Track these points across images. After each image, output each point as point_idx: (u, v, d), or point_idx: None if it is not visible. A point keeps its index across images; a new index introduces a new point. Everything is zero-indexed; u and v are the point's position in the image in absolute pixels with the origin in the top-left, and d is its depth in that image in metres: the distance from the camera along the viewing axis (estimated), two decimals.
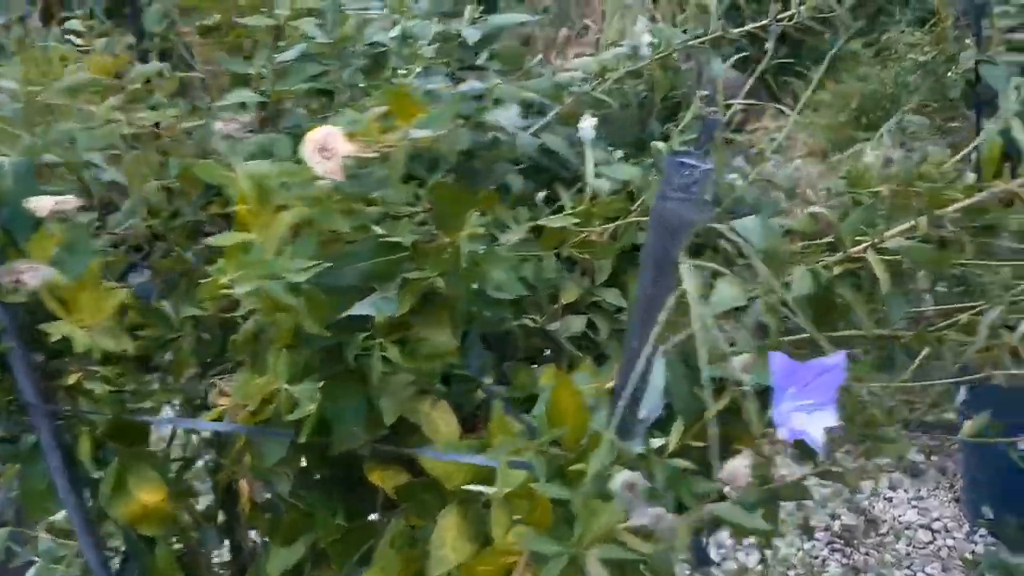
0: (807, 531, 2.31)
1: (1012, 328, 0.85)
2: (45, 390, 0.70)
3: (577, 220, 0.78)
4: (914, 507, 2.30)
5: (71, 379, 0.68)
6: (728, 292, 0.74)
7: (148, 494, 0.77)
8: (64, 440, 0.73)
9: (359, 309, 0.62)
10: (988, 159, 0.73)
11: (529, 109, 1.06)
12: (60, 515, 0.88)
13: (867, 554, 2.09)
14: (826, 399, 0.45)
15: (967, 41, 1.66)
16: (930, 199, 0.74)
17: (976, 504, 2.11)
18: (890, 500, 2.34)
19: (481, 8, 0.95)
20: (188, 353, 0.80)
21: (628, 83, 1.12)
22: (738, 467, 0.43)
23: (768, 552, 1.90)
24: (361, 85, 0.74)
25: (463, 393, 0.86)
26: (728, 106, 1.06)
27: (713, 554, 2.02)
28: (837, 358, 0.46)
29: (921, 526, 2.25)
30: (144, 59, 0.88)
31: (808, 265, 0.75)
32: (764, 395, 0.54)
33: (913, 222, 0.74)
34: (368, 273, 0.61)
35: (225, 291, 0.53)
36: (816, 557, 2.06)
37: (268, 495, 0.87)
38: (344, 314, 0.62)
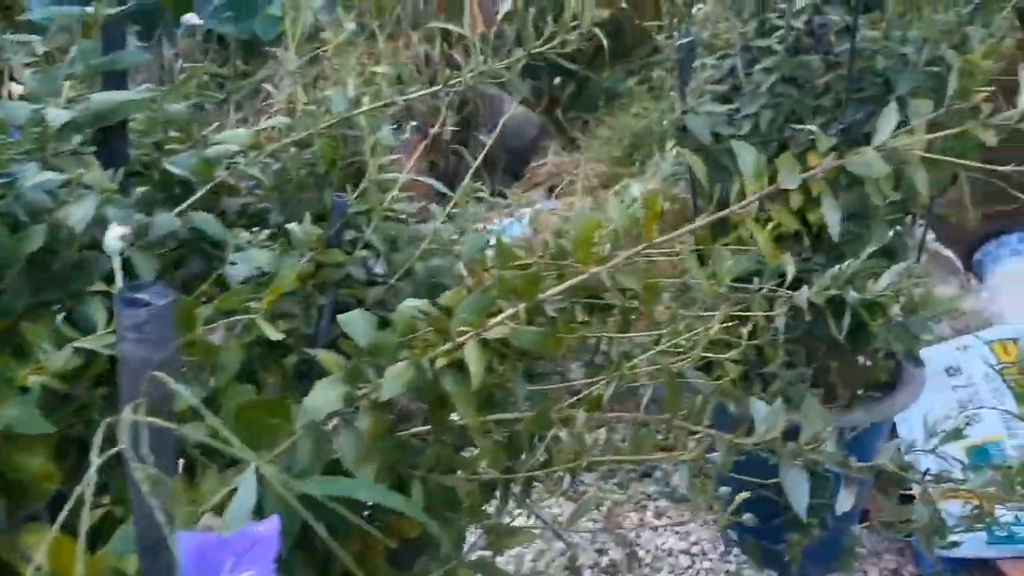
0: (574, 571, 2.33)
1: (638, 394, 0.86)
2: None
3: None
4: (676, 533, 2.38)
5: None
6: (325, 395, 0.70)
7: None
8: None
9: None
10: (581, 238, 0.73)
11: (168, 188, 0.98)
12: None
13: None
14: (266, 568, 0.41)
15: (671, 92, 1.74)
16: (528, 286, 0.72)
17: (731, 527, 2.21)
18: (655, 529, 2.41)
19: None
20: None
21: (289, 153, 1.07)
22: None
23: None
24: None
25: None
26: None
27: None
28: (270, 525, 0.42)
29: (681, 551, 2.32)
30: None
31: (413, 359, 0.72)
32: None
33: (515, 309, 0.73)
34: None
35: None
36: None
37: None
38: None
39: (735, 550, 2.32)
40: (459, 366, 0.72)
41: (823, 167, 0.72)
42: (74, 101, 0.83)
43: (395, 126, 1.15)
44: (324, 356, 0.72)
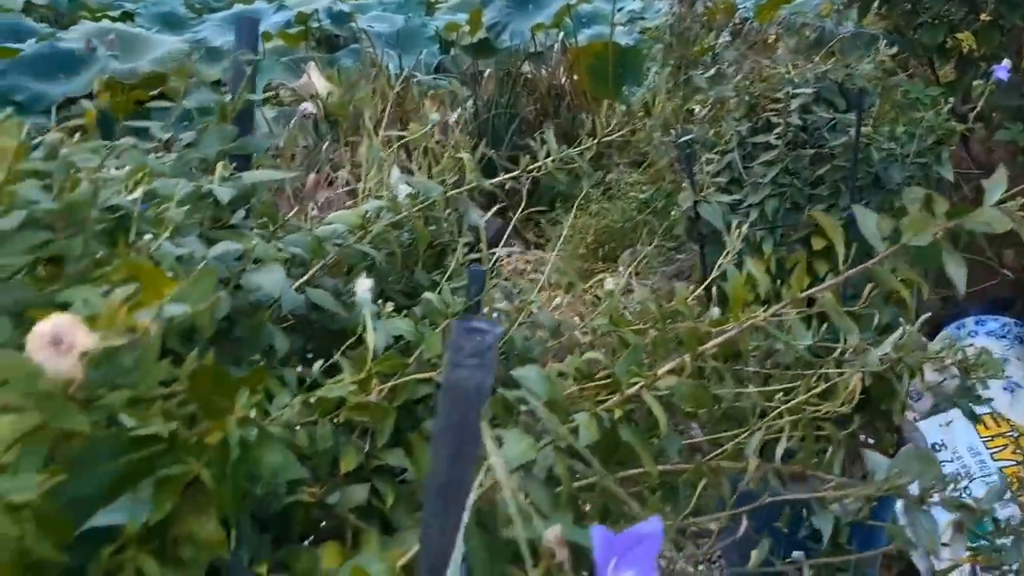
0: None
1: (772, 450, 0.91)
2: None
3: (355, 388, 0.74)
4: None
5: None
6: (519, 447, 0.73)
7: None
8: None
9: (104, 519, 0.52)
10: (735, 296, 0.79)
11: (289, 265, 1.01)
12: None
13: None
14: (647, 568, 0.44)
15: (683, 184, 1.86)
16: (688, 338, 0.78)
17: None
18: None
19: (233, 165, 0.90)
20: None
21: (391, 233, 1.12)
22: None
23: None
24: (99, 255, 0.66)
25: None
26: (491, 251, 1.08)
27: None
28: (652, 525, 0.45)
29: None
30: None
31: (587, 409, 0.76)
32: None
33: (678, 361, 0.78)
34: (116, 475, 0.51)
35: None
36: None
37: None
38: (85, 527, 0.52)
39: None
40: (629, 417, 0.76)
41: (941, 227, 0.81)
42: (227, 180, 0.87)
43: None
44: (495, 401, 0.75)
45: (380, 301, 0.99)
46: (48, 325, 0.42)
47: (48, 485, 0.45)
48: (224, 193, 0.81)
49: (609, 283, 2.82)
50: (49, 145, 0.76)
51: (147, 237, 0.70)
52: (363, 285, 0.65)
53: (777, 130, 1.91)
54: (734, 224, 1.23)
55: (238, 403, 0.53)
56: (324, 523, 0.90)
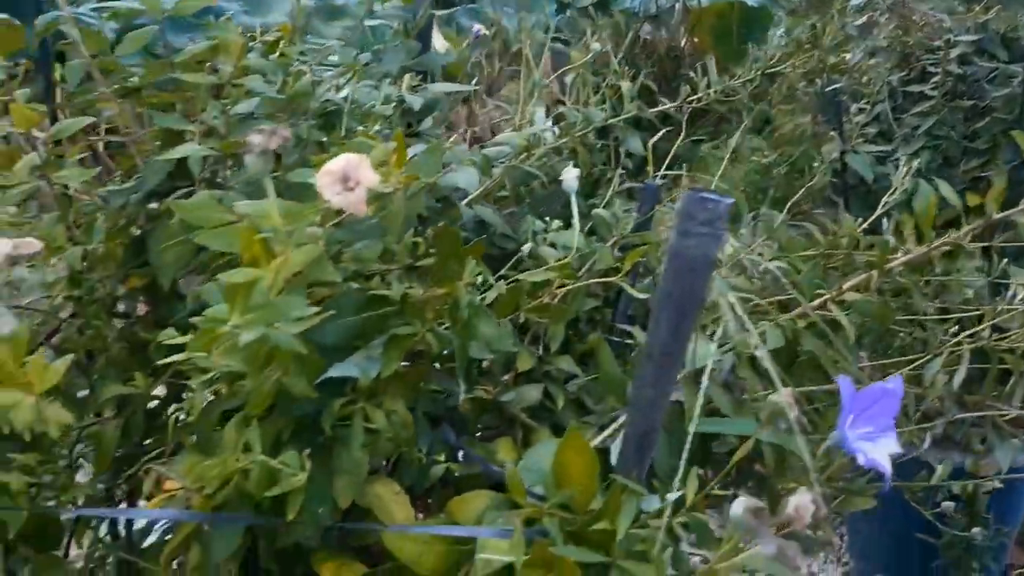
0: None
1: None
2: None
3: (553, 275, 0.76)
4: None
5: None
6: (703, 349, 0.74)
7: None
8: None
9: (343, 370, 0.56)
10: (927, 214, 0.78)
11: None
12: None
13: None
14: (886, 425, 0.44)
15: (831, 134, 1.81)
16: (880, 252, 0.77)
17: (868, 573, 2.17)
18: None
19: (419, 76, 0.94)
20: (112, 440, 0.70)
21: (552, 159, 1.13)
22: (803, 503, 0.41)
23: None
24: (323, 140, 0.70)
25: (414, 474, 0.80)
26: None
27: None
28: (895, 383, 0.45)
29: None
30: (53, 117, 0.80)
31: (770, 321, 0.76)
32: None
33: (863, 277, 0.77)
34: (354, 330, 0.55)
35: (225, 343, 0.46)
36: None
37: None
38: (326, 376, 0.56)
39: None
40: (812, 328, 0.76)
41: None
42: (414, 91, 0.90)
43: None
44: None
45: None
46: (339, 163, 0.46)
47: (310, 324, 0.49)
48: (415, 101, 0.84)
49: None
50: (260, 48, 0.82)
51: (356, 131, 0.74)
52: (571, 173, 0.67)
53: (935, 79, 1.82)
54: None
55: (468, 268, 0.56)
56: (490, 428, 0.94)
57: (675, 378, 0.54)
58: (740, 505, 0.39)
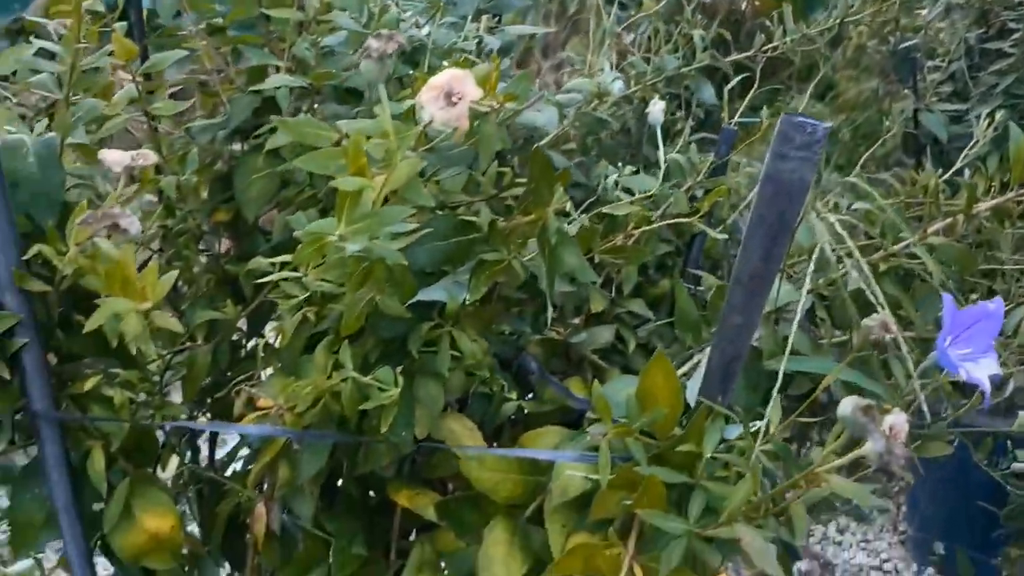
0: None
1: None
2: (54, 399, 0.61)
3: (642, 207, 0.77)
4: (863, 550, 2.33)
5: (87, 384, 0.60)
6: (784, 288, 0.74)
7: (157, 522, 0.69)
8: (69, 458, 0.64)
9: (431, 293, 0.57)
10: (1017, 158, 0.76)
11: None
12: None
13: None
14: (986, 346, 0.44)
15: (905, 91, 1.76)
16: (968, 198, 0.75)
17: (925, 543, 2.15)
18: (839, 544, 2.35)
19: (496, 19, 0.94)
20: (203, 365, 0.72)
21: (623, 107, 1.13)
22: (898, 421, 0.41)
23: None
24: (410, 73, 0.71)
25: (484, 411, 0.82)
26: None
27: None
28: (996, 304, 0.45)
29: (872, 568, 2.27)
30: (144, 53, 0.83)
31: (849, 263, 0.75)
32: None
33: (950, 220, 0.76)
34: (443, 254, 0.57)
35: (335, 253, 0.47)
36: None
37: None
38: (414, 299, 0.57)
39: (929, 569, 2.25)
40: (896, 271, 0.76)
41: None
42: (491, 32, 0.90)
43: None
44: None
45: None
46: (444, 77, 0.47)
47: (409, 240, 0.50)
48: (493, 42, 0.85)
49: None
50: None
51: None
52: (658, 105, 0.67)
53: (1015, 36, 1.76)
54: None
55: (557, 194, 0.57)
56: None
57: (763, 305, 0.54)
58: (849, 403, 0.39)
